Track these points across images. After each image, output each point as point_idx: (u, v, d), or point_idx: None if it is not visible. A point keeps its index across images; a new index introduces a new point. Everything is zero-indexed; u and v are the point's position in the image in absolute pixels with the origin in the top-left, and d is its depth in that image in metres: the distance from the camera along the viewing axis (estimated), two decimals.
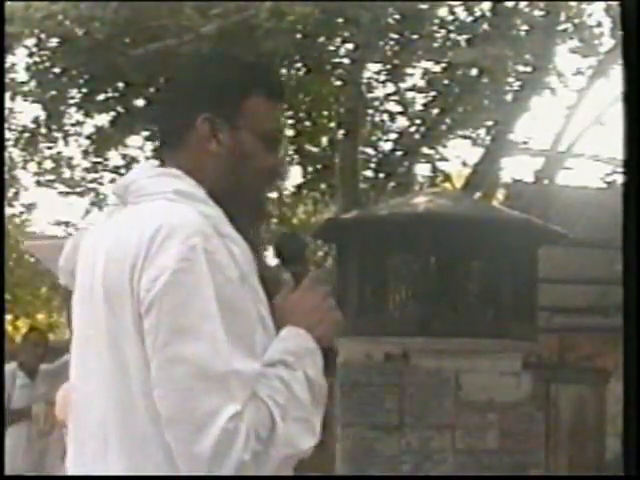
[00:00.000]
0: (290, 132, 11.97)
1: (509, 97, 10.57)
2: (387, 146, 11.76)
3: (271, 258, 13.24)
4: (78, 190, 13.03)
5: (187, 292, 1.50)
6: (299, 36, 8.95)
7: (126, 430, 1.57)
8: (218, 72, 1.75)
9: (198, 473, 1.48)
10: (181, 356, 1.49)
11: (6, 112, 11.08)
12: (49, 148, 12.34)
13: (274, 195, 14.32)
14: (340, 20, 8.97)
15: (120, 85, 10.59)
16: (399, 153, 11.33)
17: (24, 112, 11.95)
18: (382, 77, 10.76)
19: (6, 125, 11.40)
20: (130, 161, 12.31)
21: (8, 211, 15.39)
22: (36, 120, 11.36)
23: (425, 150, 11.29)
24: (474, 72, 9.93)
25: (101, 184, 12.88)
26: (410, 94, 11.06)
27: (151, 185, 1.65)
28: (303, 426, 1.55)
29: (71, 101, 10.80)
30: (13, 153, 12.53)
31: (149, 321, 1.52)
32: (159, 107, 1.84)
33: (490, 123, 11.00)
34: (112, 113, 10.96)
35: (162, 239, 1.52)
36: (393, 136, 11.66)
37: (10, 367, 6.11)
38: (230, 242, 1.59)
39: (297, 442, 1.54)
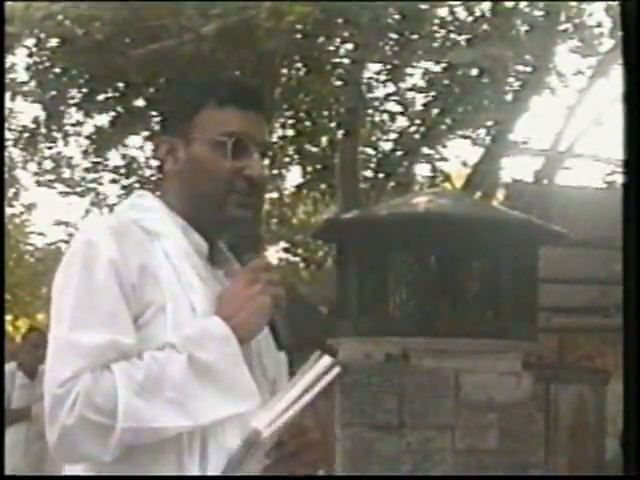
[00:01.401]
0: (290, 132, 11.99)
1: (509, 97, 10.58)
2: (387, 146, 11.78)
3: (271, 259, 13.24)
4: (78, 190, 13.04)
5: (62, 279, 1.68)
6: (299, 36, 8.95)
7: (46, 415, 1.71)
8: (172, 93, 1.95)
9: (47, 439, 1.60)
10: (52, 336, 1.66)
11: (6, 112, 11.09)
12: (49, 148, 12.36)
13: (274, 195, 14.35)
14: (340, 20, 8.98)
15: (120, 85, 10.60)
16: (399, 153, 11.34)
17: (24, 112, 12.01)
18: (382, 77, 10.76)
19: (6, 125, 11.41)
20: (130, 161, 12.32)
21: (8, 211, 15.40)
22: (36, 120, 11.37)
23: (425, 150, 11.30)
24: (474, 72, 9.94)
25: (101, 184, 12.89)
26: (410, 94, 11.07)
27: (118, 206, 1.88)
28: (171, 407, 1.58)
29: (71, 101, 10.81)
30: (13, 153, 12.54)
31: None
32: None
33: (490, 123, 11.01)
34: (112, 113, 10.97)
35: (72, 241, 1.73)
36: (393, 136, 11.67)
37: (10, 367, 6.11)
38: (162, 238, 1.72)
39: (154, 419, 1.57)
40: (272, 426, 1.63)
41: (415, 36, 9.56)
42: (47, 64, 10.23)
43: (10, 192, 14.84)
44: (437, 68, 10.47)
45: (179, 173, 1.78)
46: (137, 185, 12.02)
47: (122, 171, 12.32)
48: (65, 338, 1.61)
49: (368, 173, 11.69)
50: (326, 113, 11.36)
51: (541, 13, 9.84)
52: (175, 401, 1.58)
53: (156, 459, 1.62)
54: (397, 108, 11.29)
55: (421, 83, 10.86)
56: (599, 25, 10.19)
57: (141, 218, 1.75)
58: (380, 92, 11.09)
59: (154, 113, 10.13)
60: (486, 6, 10.01)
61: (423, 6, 9.20)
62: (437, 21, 9.75)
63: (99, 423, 1.55)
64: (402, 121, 11.39)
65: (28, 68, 10.45)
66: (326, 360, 1.72)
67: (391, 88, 10.96)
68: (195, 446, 1.62)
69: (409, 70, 10.69)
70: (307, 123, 11.69)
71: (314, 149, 12.08)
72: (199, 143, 1.77)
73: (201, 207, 1.78)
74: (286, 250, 15.15)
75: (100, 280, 1.64)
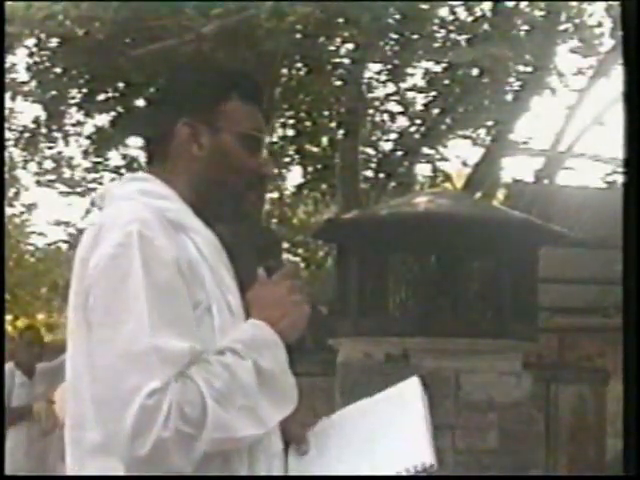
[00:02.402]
0: (290, 132, 11.98)
1: (509, 97, 10.57)
2: (387, 146, 11.77)
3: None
4: (78, 190, 13.04)
5: (119, 275, 1.54)
6: (299, 36, 8.95)
7: (74, 418, 1.63)
8: (195, 77, 1.82)
9: (121, 451, 1.49)
10: (110, 337, 1.53)
11: (6, 112, 11.08)
12: (49, 148, 12.35)
13: (274, 195, 14.35)
14: (340, 20, 8.97)
15: (120, 85, 10.60)
16: (399, 153, 11.34)
17: (24, 112, 11.97)
18: (382, 77, 10.76)
19: (6, 125, 11.40)
20: (130, 161, 12.31)
21: (8, 211, 15.39)
22: (36, 120, 11.36)
23: (425, 150, 11.30)
24: (474, 72, 9.94)
25: (101, 184, 12.87)
26: (410, 94, 11.06)
27: (117, 189, 1.74)
28: (244, 414, 1.54)
29: (71, 101, 10.80)
30: (13, 153, 12.53)
31: (89, 308, 1.57)
32: (141, 116, 1.91)
33: (490, 123, 11.01)
34: (112, 113, 10.96)
35: (105, 230, 1.59)
36: (393, 136, 11.66)
37: (9, 366, 6.11)
38: (193, 233, 1.65)
39: (233, 428, 1.52)
40: (432, 452, 1.69)
41: (415, 36, 9.55)
42: (47, 64, 10.22)
43: (10, 192, 14.83)
44: (437, 68, 10.47)
45: (200, 160, 1.73)
46: None
47: (122, 171, 12.31)
48: (147, 343, 1.50)
49: (368, 173, 11.68)
50: (326, 113, 11.35)
51: (541, 13, 9.83)
52: (246, 408, 1.55)
53: (207, 467, 1.56)
54: (397, 108, 11.29)
55: (421, 83, 10.86)
56: (599, 25, 10.19)
57: (163, 207, 1.66)
58: (380, 92, 11.10)
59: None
60: (486, 6, 10.00)
61: (423, 6, 9.19)
62: (437, 21, 9.74)
63: (188, 434, 1.48)
64: (402, 121, 11.39)
65: (28, 68, 10.44)
66: (415, 380, 1.90)
67: (391, 88, 10.96)
68: (243, 451, 1.61)
69: (409, 70, 10.69)
70: (307, 123, 11.67)
71: (314, 149, 12.08)
72: (228, 134, 1.74)
73: (218, 199, 1.74)
74: (286, 250, 15.15)
75: (168, 280, 1.56)
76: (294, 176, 17.80)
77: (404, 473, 1.65)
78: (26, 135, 11.70)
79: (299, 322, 1.69)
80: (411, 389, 1.88)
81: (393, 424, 1.79)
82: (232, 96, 1.76)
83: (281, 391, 1.62)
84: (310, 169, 12.21)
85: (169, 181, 1.72)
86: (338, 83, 10.49)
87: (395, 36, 9.65)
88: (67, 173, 12.86)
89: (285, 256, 15.26)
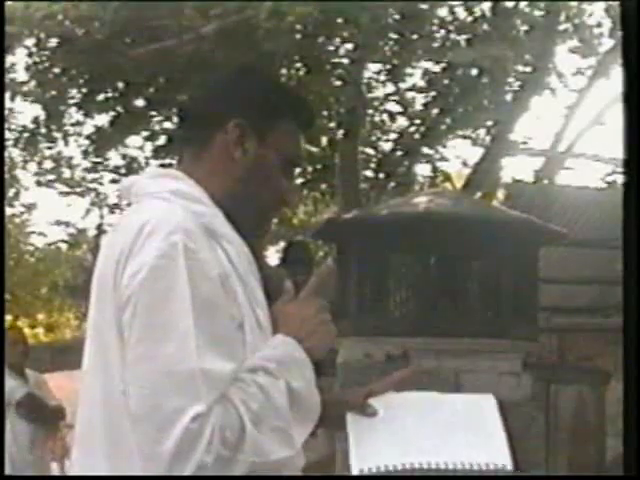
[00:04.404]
0: None
1: (509, 97, 10.57)
2: (387, 146, 11.77)
3: (271, 259, 13.22)
4: (78, 190, 13.06)
5: (163, 289, 1.49)
6: (299, 36, 8.95)
7: (107, 427, 1.56)
8: (263, 85, 1.77)
9: (158, 473, 1.45)
10: (151, 353, 1.47)
11: (6, 112, 11.08)
12: (49, 148, 12.36)
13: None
14: (340, 20, 8.97)
15: (120, 85, 10.59)
16: (399, 153, 11.34)
17: (24, 112, 11.98)
18: (382, 77, 10.76)
19: (6, 125, 11.40)
20: (130, 161, 12.32)
21: (8, 211, 15.41)
22: (36, 120, 11.36)
23: (425, 150, 11.30)
24: (474, 72, 9.93)
25: (101, 184, 12.91)
26: (410, 94, 11.07)
27: (149, 185, 1.67)
28: (278, 436, 1.51)
29: (71, 101, 10.80)
30: (13, 153, 12.54)
31: (126, 316, 1.51)
32: (193, 102, 1.83)
33: (490, 123, 11.01)
34: (112, 113, 10.96)
35: (145, 236, 1.52)
36: (393, 136, 11.67)
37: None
38: (225, 242, 1.60)
39: (268, 451, 1.50)
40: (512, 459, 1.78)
41: (415, 36, 9.55)
42: (47, 64, 10.22)
43: (10, 192, 14.84)
44: (437, 68, 10.47)
45: (240, 166, 1.68)
46: None
47: (122, 171, 12.32)
48: (192, 364, 1.45)
49: (368, 173, 11.68)
50: (326, 113, 11.35)
51: (541, 13, 9.83)
52: (279, 430, 1.51)
53: None
54: (397, 108, 11.29)
55: (421, 83, 10.86)
56: (599, 25, 10.20)
57: (199, 212, 1.60)
58: (380, 92, 11.10)
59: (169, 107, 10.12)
60: (486, 6, 10.00)
61: (423, 6, 9.20)
62: (437, 21, 9.75)
63: (227, 458, 1.45)
64: (402, 121, 11.39)
65: (28, 68, 10.44)
66: (491, 397, 1.97)
67: (391, 88, 10.96)
68: (271, 470, 1.57)
69: (409, 70, 10.69)
70: None
71: (314, 149, 12.07)
72: (272, 151, 1.70)
73: (246, 210, 1.69)
74: None
75: (212, 297, 1.51)
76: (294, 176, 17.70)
77: (484, 468, 1.70)
78: (26, 135, 11.69)
79: (327, 341, 1.67)
80: (488, 403, 1.95)
81: (473, 423, 1.85)
82: (288, 117, 1.73)
83: (307, 410, 1.60)
84: (310, 169, 12.21)
85: (200, 181, 1.66)
86: (337, 83, 10.49)
87: (394, 36, 9.65)
88: (67, 173, 12.88)
89: None
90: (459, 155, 12.97)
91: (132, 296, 1.50)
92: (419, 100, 11.01)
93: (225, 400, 1.47)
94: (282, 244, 15.16)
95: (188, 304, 1.47)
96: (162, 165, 10.08)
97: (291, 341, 1.60)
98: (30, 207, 17.52)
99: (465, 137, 11.54)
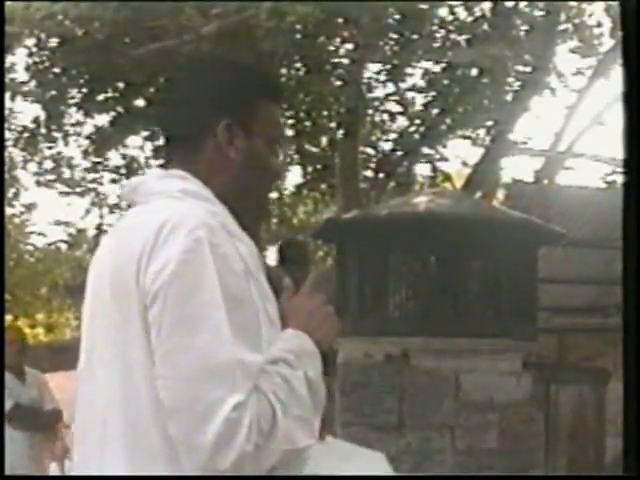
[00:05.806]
0: (290, 132, 11.98)
1: (509, 97, 10.57)
2: (387, 146, 11.77)
3: (271, 259, 13.24)
4: (78, 190, 13.05)
5: (191, 283, 1.51)
6: (299, 36, 8.95)
7: (128, 425, 1.57)
8: (234, 76, 1.78)
9: (200, 463, 1.47)
10: (185, 346, 1.50)
11: (6, 112, 11.08)
12: (49, 148, 12.35)
13: (274, 195, 14.35)
14: (340, 20, 8.98)
15: (120, 85, 10.60)
16: (399, 153, 11.33)
17: (24, 112, 11.97)
18: (382, 77, 10.76)
19: (6, 125, 11.40)
20: (130, 161, 12.32)
21: (8, 211, 15.41)
22: (36, 120, 11.36)
23: (425, 150, 11.30)
24: (474, 72, 9.94)
25: (101, 184, 12.90)
26: (410, 94, 11.06)
27: (158, 185, 1.70)
28: (301, 424, 1.55)
29: (71, 101, 10.80)
30: (13, 153, 12.54)
31: (154, 312, 1.53)
32: (173, 110, 1.82)
33: (490, 123, 11.00)
34: (112, 113, 10.96)
35: (168, 232, 1.54)
36: (393, 136, 11.66)
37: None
38: (236, 240, 1.62)
39: (295, 439, 1.54)
40: None
41: (415, 36, 9.55)
42: (47, 64, 10.22)
43: (10, 192, 14.83)
44: (437, 68, 10.47)
45: (236, 163, 1.72)
46: None
47: (122, 171, 12.32)
48: (229, 355, 1.49)
49: (368, 173, 11.68)
50: (326, 113, 11.35)
51: (541, 13, 9.84)
52: (301, 419, 1.56)
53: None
54: (397, 108, 11.29)
55: (421, 83, 10.85)
56: (599, 25, 10.20)
57: (211, 210, 1.63)
58: (380, 92, 11.10)
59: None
60: (486, 6, 10.00)
61: (423, 6, 9.19)
62: (437, 21, 9.75)
63: (264, 446, 1.49)
64: (402, 121, 11.39)
65: (28, 68, 10.44)
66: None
67: (391, 88, 10.96)
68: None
69: (409, 70, 10.69)
70: (307, 123, 11.67)
71: (314, 149, 12.08)
72: (259, 137, 1.74)
73: (248, 202, 1.75)
74: None
75: (239, 289, 1.55)
76: (294, 176, 17.78)
77: None
78: (26, 135, 11.70)
79: (332, 333, 1.72)
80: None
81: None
82: (264, 98, 1.76)
83: (320, 400, 1.64)
84: (310, 169, 12.21)
85: (206, 182, 1.70)
86: (337, 83, 10.49)
87: (394, 36, 9.66)
88: (67, 173, 12.87)
89: None
90: (459, 155, 12.96)
91: (160, 291, 1.52)
92: (419, 100, 11.01)
93: (258, 390, 1.51)
94: (310, 257, 15.17)
95: (218, 296, 1.51)
96: (162, 165, 10.07)
97: (301, 334, 1.65)
98: (30, 207, 17.51)
99: (465, 137, 11.53)
